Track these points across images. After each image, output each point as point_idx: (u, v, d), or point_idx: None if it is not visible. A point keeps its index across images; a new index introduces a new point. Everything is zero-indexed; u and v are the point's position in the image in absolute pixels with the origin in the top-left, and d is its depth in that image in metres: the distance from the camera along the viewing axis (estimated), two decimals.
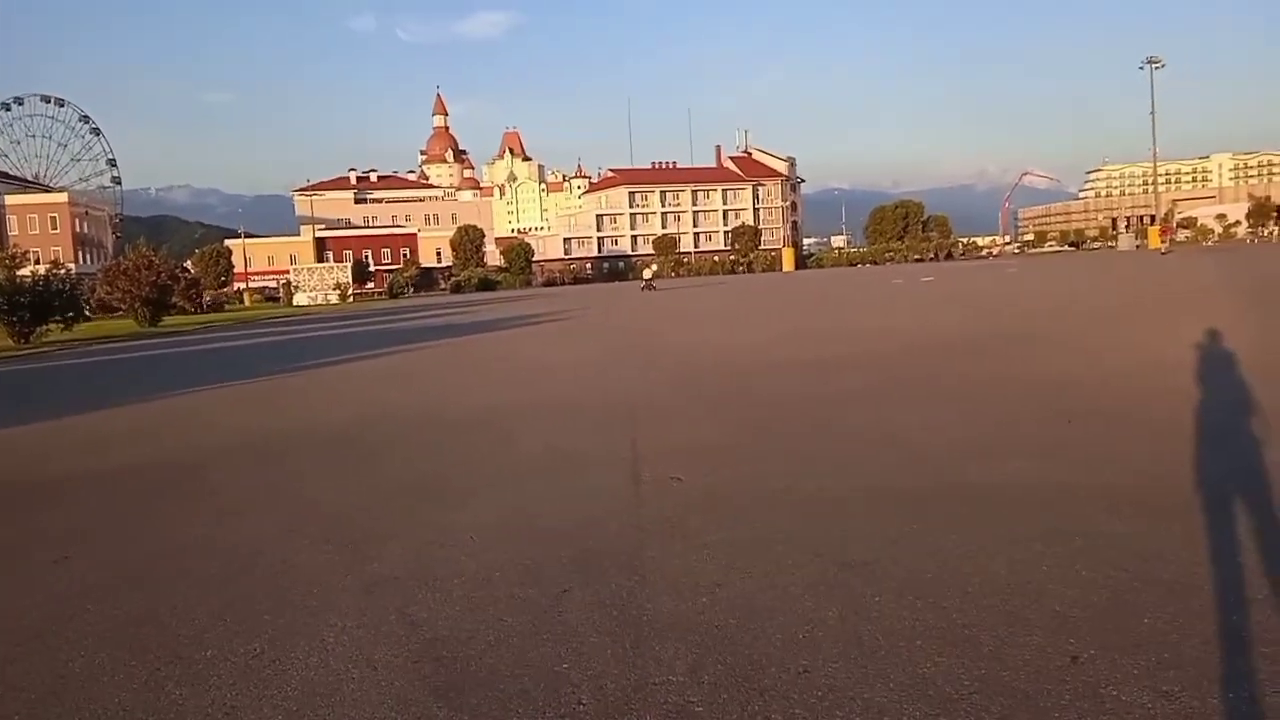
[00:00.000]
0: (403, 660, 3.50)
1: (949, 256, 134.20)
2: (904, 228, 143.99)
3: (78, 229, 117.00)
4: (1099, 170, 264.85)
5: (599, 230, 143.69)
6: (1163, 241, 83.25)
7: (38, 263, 43.05)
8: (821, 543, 4.60)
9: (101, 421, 11.70)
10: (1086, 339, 13.89)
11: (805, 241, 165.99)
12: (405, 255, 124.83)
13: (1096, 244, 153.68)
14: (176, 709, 3.22)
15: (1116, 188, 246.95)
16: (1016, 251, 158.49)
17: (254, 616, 4.09)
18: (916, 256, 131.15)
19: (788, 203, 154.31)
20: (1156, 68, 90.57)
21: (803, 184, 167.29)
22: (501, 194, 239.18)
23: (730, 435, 7.74)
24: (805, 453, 6.84)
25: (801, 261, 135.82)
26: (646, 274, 72.92)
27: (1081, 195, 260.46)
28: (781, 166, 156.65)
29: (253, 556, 5.04)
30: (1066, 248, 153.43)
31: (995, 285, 35.42)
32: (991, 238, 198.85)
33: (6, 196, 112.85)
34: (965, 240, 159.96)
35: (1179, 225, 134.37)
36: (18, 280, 34.47)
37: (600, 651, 3.47)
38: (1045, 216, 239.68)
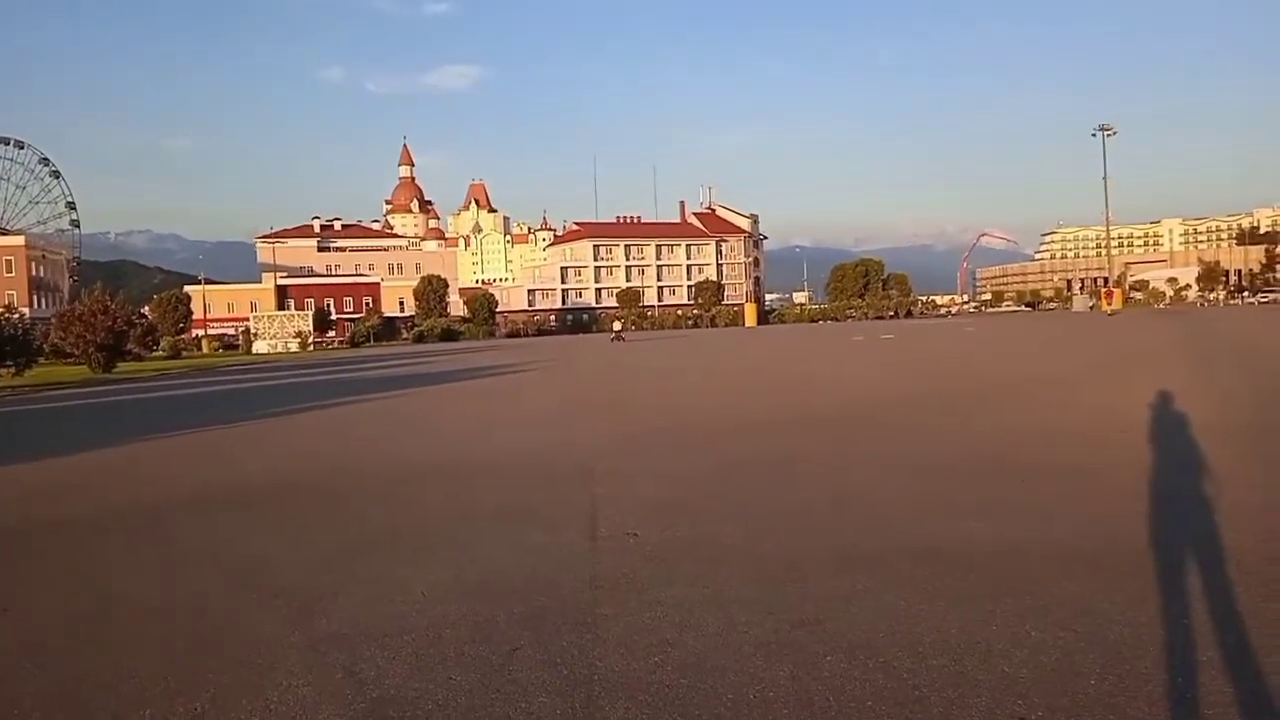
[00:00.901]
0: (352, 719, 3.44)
1: (909, 314, 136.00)
2: (865, 285, 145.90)
3: (34, 273, 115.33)
4: (1054, 233, 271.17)
5: (563, 282, 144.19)
6: (1107, 303, 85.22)
7: None
8: (775, 601, 4.60)
9: (46, 471, 11.44)
10: (1040, 397, 14.11)
11: (768, 297, 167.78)
12: (368, 304, 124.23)
13: (1052, 304, 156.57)
14: None
15: (1071, 250, 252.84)
16: (974, 310, 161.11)
17: (197, 674, 4.00)
18: (877, 314, 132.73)
19: (750, 259, 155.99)
20: (1108, 135, 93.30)
21: (765, 240, 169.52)
22: (466, 245, 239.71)
23: (689, 493, 7.74)
24: (762, 511, 6.85)
25: (764, 317, 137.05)
26: (616, 325, 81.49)
27: (1038, 257, 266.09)
28: (745, 223, 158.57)
29: (197, 612, 4.94)
30: (1023, 308, 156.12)
31: (953, 344, 35.94)
32: (950, 296, 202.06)
33: None
34: (925, 298, 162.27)
35: (1131, 288, 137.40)
36: None
37: (550, 711, 3.43)
38: (1003, 276, 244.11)
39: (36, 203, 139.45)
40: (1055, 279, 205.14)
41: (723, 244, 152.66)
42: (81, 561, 6.35)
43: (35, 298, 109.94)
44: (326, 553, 6.15)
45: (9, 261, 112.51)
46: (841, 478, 8.10)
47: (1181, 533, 5.67)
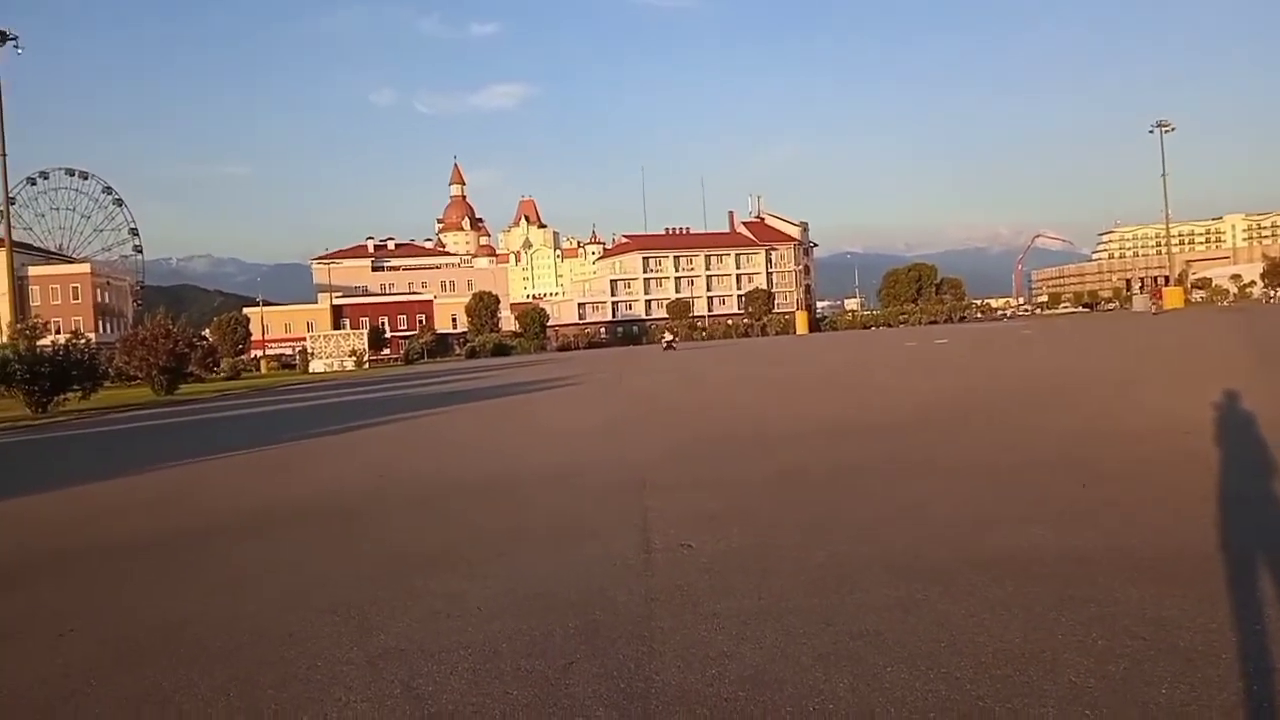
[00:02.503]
0: None
1: (963, 319, 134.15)
2: (917, 290, 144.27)
3: (99, 299, 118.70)
4: (1112, 232, 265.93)
5: (613, 295, 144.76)
6: (1154, 303, 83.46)
7: (58, 333, 43.54)
8: (833, 612, 4.53)
9: (110, 492, 11.72)
10: (1101, 399, 13.80)
11: (819, 304, 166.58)
12: (421, 321, 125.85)
13: (1111, 305, 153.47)
14: None
15: (1130, 249, 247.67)
16: (1030, 313, 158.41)
17: (258, 690, 4.04)
18: (930, 319, 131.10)
19: (801, 266, 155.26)
20: (1167, 131, 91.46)
21: (816, 248, 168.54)
22: (517, 261, 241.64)
23: (743, 503, 7.68)
24: (817, 520, 6.77)
25: (815, 324, 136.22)
26: (667, 336, 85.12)
27: (1095, 257, 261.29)
28: (794, 231, 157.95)
29: (257, 629, 5.00)
30: (1081, 309, 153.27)
31: (1009, 347, 35.34)
32: (1005, 299, 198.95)
33: (30, 268, 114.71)
34: (979, 302, 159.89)
35: (1193, 286, 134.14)
36: (38, 350, 34.77)
37: None
38: (1059, 278, 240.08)
39: (101, 230, 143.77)
40: (1114, 279, 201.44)
41: (772, 252, 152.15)
42: (144, 580, 6.48)
43: (101, 323, 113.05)
44: (381, 568, 6.21)
45: (75, 288, 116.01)
46: (897, 485, 7.99)
47: (1251, 537, 5.49)
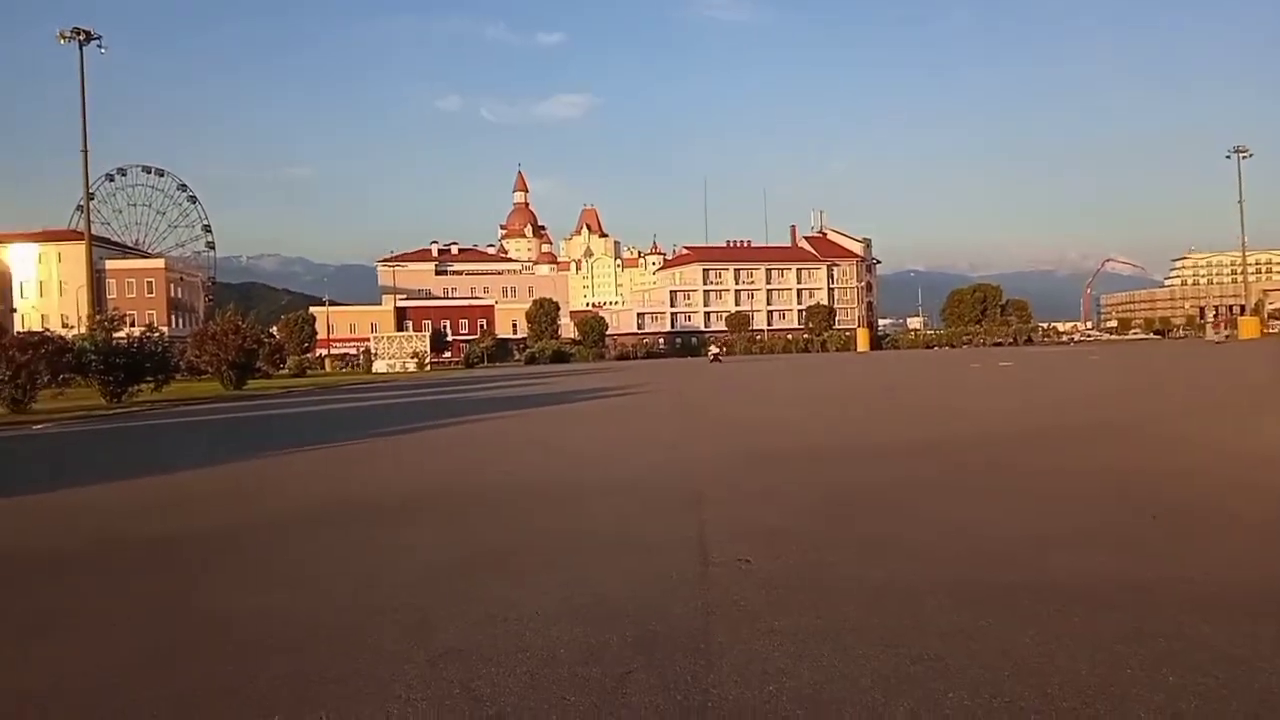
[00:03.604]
0: None
1: (1028, 341, 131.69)
2: (982, 311, 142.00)
3: (172, 293, 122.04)
4: (1185, 258, 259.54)
5: (672, 306, 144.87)
6: (1216, 333, 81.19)
7: (133, 325, 44.82)
8: (892, 634, 4.48)
9: (180, 483, 12.02)
10: (1174, 430, 13.45)
11: (880, 322, 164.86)
12: (482, 326, 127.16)
13: (1184, 333, 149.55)
14: None
15: (1204, 276, 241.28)
16: (1097, 338, 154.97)
17: (320, 685, 4.12)
18: (995, 340, 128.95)
19: (863, 283, 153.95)
20: (1244, 157, 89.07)
21: (879, 265, 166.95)
22: (578, 269, 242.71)
23: (800, 520, 7.63)
24: (876, 540, 6.70)
25: (876, 342, 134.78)
26: (714, 349, 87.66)
27: (1167, 283, 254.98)
28: (857, 247, 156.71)
29: (319, 624, 5.09)
30: (1151, 335, 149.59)
31: (1075, 372, 34.63)
32: (1072, 323, 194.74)
33: (107, 261, 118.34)
34: (1045, 325, 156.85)
35: (1270, 315, 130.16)
36: (114, 342, 35.87)
37: None
38: (1129, 303, 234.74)
39: (175, 227, 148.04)
40: (1187, 306, 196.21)
41: (834, 268, 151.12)
42: (209, 571, 6.64)
43: (173, 317, 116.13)
44: (440, 570, 6.28)
45: (150, 283, 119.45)
46: (958, 507, 7.86)
47: None
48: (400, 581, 5.99)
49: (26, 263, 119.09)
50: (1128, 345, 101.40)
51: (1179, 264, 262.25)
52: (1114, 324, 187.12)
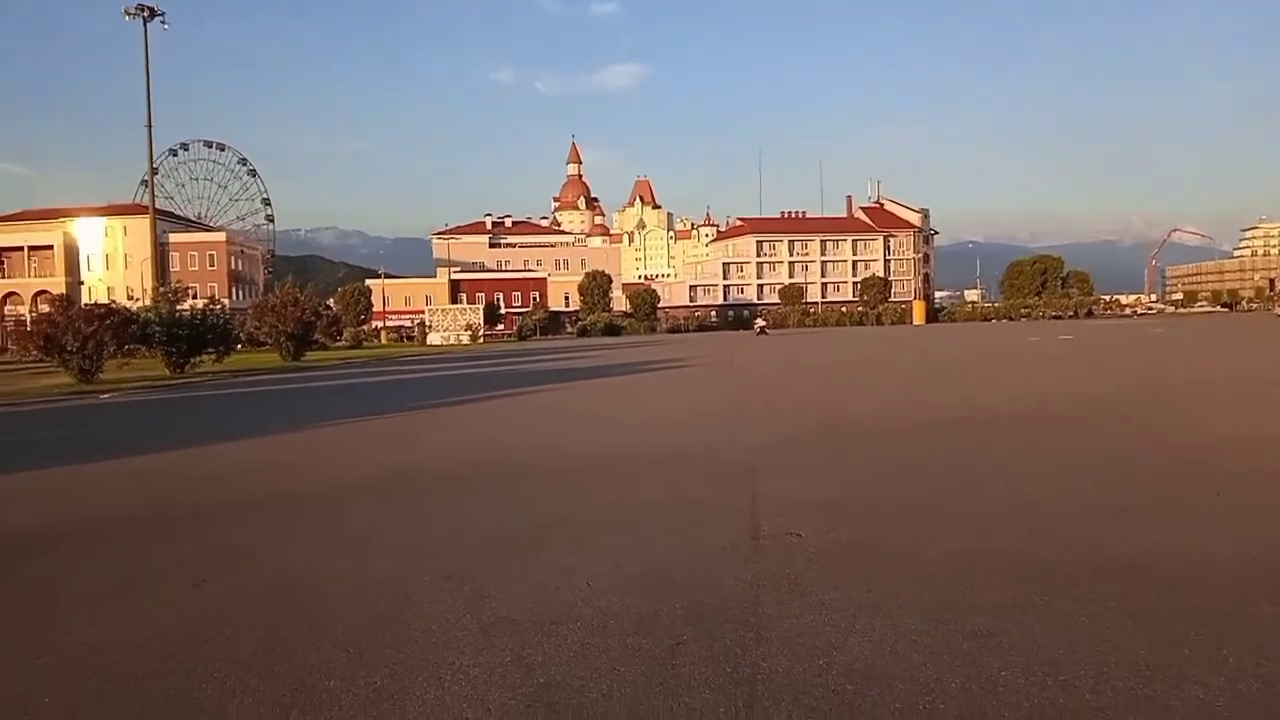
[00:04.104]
0: (518, 703, 3.53)
1: (1089, 314, 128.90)
2: (1042, 283, 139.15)
3: (233, 266, 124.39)
4: (1255, 228, 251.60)
5: (725, 278, 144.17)
6: (1276, 305, 78.70)
7: (195, 297, 45.80)
8: (945, 609, 4.44)
9: (242, 451, 12.30)
10: (1231, 402, 13.09)
11: (937, 294, 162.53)
12: (535, 299, 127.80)
13: (1253, 305, 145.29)
14: None
15: (1275, 246, 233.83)
16: (1161, 311, 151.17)
17: (375, 649, 4.20)
18: (1054, 313, 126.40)
19: (920, 255, 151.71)
20: None
21: (936, 236, 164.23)
22: (630, 241, 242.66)
23: (851, 493, 7.58)
24: (929, 515, 6.63)
25: (932, 315, 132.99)
26: (760, 322, 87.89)
27: (1236, 254, 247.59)
28: (914, 218, 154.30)
29: (376, 590, 5.19)
30: (1219, 308, 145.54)
31: (1137, 345, 33.85)
32: (1136, 296, 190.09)
33: (170, 235, 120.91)
34: (1107, 298, 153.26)
35: None
36: (177, 314, 36.69)
37: (713, 707, 3.42)
38: (1195, 275, 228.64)
39: (236, 200, 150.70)
40: (1256, 277, 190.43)
41: (890, 240, 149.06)
42: (271, 537, 6.79)
43: (234, 289, 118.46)
44: (493, 538, 6.35)
45: (211, 256, 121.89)
46: (1013, 483, 7.75)
47: None
48: (453, 550, 6.07)
49: (93, 236, 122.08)
50: (1193, 318, 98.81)
51: (1249, 234, 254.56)
52: (1179, 296, 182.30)
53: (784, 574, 5.16)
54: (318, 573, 5.63)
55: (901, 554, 5.50)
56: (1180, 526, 5.95)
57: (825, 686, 3.58)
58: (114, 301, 34.85)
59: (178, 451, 12.40)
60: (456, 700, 3.58)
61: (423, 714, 3.47)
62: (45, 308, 33.20)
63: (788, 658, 3.88)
